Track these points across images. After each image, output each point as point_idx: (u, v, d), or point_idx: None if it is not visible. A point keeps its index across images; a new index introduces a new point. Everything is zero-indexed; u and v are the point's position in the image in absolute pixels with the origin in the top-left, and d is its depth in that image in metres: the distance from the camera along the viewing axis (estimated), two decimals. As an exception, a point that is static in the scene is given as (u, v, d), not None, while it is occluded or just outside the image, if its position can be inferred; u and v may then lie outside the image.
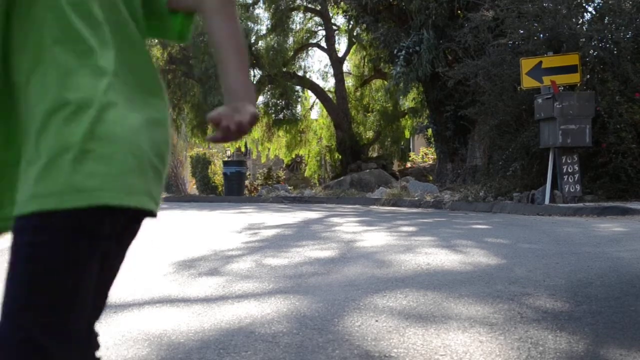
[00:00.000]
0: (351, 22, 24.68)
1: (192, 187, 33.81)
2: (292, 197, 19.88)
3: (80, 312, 1.32)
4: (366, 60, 27.00)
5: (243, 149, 31.86)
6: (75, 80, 1.32)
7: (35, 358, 1.24)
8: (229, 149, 33.74)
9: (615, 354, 3.03)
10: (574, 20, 13.68)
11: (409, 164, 29.49)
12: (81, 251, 1.28)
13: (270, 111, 26.67)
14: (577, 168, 12.15)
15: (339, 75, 26.40)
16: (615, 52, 13.10)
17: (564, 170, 12.11)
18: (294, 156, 30.36)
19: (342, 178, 22.66)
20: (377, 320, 3.69)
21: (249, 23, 23.41)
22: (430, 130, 23.31)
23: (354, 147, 25.41)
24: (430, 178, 22.60)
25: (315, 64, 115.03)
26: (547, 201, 11.96)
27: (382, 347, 3.17)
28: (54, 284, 1.26)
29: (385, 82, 25.05)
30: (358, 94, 28.45)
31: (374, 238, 8.01)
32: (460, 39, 15.47)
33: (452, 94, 17.25)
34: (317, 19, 27.27)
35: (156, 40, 24.13)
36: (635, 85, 12.79)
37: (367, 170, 22.94)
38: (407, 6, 17.83)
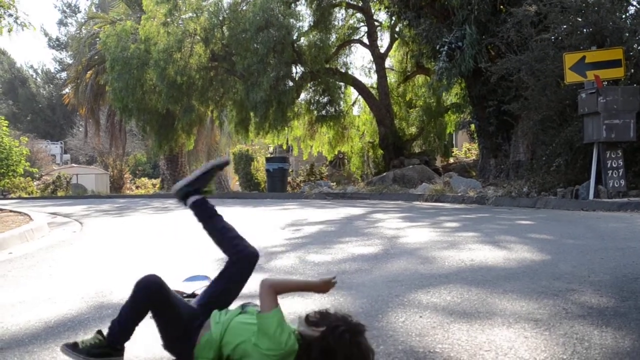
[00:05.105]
0: (393, 18, 24.65)
1: (234, 183, 34.10)
2: (334, 194, 19.92)
3: None
4: (408, 56, 26.94)
5: (285, 147, 31.91)
6: None
7: None
8: (271, 145, 33.88)
9: (661, 350, 3.03)
10: (617, 14, 13.51)
11: (451, 160, 29.35)
12: None
13: (312, 108, 26.70)
14: (621, 163, 12.03)
15: (381, 71, 26.33)
16: (660, 45, 12.94)
17: (608, 165, 11.99)
18: (336, 152, 30.33)
19: (384, 174, 22.59)
20: (421, 316, 3.72)
21: (291, 20, 23.46)
22: (473, 126, 23.17)
23: (396, 143, 25.32)
24: (474, 174, 22.45)
25: (358, 60, 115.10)
26: (591, 196, 11.86)
27: (427, 342, 3.21)
28: None
29: (428, 78, 24.98)
30: (400, 89, 28.37)
31: (417, 234, 8.03)
32: (503, 34, 15.38)
33: (495, 89, 17.15)
34: (359, 15, 27.26)
35: (198, 37, 24.36)
36: (682, 78, 12.62)
37: (410, 166, 22.85)
38: (450, 2, 17.75)
